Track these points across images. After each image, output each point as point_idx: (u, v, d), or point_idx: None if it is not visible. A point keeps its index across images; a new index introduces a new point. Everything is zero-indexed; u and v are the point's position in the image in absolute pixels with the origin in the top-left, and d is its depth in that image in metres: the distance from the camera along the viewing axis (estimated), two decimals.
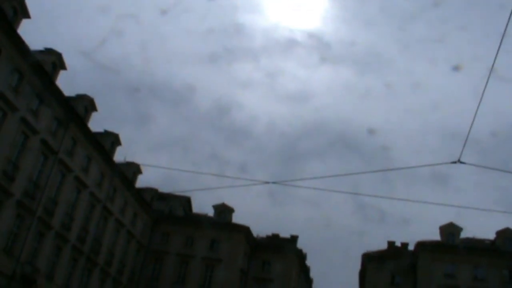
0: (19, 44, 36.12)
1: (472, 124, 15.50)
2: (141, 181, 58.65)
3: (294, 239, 64.61)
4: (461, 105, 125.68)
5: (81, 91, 47.35)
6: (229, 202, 61.60)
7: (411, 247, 58.38)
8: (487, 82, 14.25)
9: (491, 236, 56.92)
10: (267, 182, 20.21)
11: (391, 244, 62.23)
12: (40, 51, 40.36)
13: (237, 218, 61.60)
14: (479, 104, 15.09)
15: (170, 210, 62.20)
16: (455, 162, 15.71)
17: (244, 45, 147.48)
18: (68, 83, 43.52)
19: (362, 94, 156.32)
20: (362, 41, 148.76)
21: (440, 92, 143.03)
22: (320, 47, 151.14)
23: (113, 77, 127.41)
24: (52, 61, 41.27)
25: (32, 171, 39.40)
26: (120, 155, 63.53)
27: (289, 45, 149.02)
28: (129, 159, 55.70)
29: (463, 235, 56.24)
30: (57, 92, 41.02)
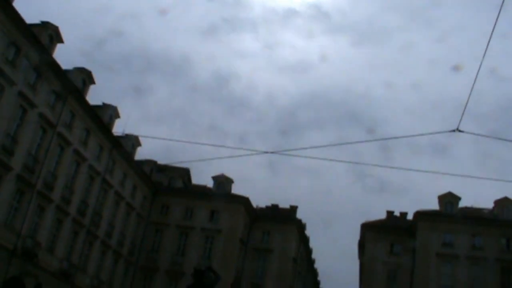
0: (15, 17, 35.87)
1: (471, 93, 15.42)
2: (140, 154, 58.77)
3: (293, 209, 64.84)
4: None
5: (79, 64, 47.24)
6: (229, 173, 61.81)
7: (409, 217, 58.74)
8: (487, 45, 14.10)
9: (489, 205, 57.28)
10: (266, 152, 20.21)
11: (390, 213, 62.58)
12: (37, 25, 40.00)
13: (237, 189, 61.87)
14: (478, 70, 14.97)
15: (169, 182, 62.34)
16: (453, 131, 15.66)
17: (242, 16, 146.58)
18: (65, 57, 43.26)
19: (361, 64, 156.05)
20: (361, 11, 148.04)
21: (438, 61, 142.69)
22: (319, 17, 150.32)
23: (111, 49, 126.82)
24: (48, 34, 41.00)
25: (31, 145, 39.41)
26: (118, 128, 63.66)
27: (288, 15, 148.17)
28: (128, 131, 55.71)
29: (461, 204, 56.59)
30: (55, 65, 40.81)
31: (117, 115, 52.30)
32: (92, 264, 49.24)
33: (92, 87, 47.34)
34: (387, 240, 58.06)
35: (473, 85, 15.45)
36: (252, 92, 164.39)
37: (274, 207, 66.32)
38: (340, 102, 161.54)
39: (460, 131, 15.62)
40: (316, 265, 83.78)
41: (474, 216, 55.46)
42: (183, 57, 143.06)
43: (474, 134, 16.80)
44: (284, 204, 66.37)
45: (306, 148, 18.03)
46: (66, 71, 43.24)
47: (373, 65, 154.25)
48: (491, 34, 13.68)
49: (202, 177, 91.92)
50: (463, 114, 15.50)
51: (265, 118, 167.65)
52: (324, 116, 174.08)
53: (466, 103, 15.77)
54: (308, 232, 69.60)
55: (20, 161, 38.29)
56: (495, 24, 13.43)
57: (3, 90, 35.96)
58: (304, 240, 68.00)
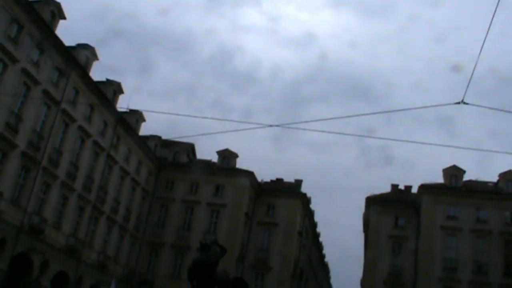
0: None
1: (476, 64, 15.26)
2: (145, 129, 58.84)
3: (298, 183, 64.92)
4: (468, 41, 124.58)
5: (82, 41, 47.06)
6: (233, 148, 61.87)
7: (414, 190, 58.77)
8: (493, 15, 13.93)
9: (494, 178, 57.26)
10: (271, 125, 20.13)
11: (394, 187, 62.61)
12: (38, 1, 39.81)
13: (241, 163, 61.91)
14: (484, 39, 14.79)
15: (174, 157, 62.44)
16: (458, 103, 15.48)
17: None
18: (68, 33, 43.05)
19: (366, 37, 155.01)
20: None
21: (446, 24, 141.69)
22: None
23: (114, 25, 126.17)
24: (50, 11, 40.81)
25: (35, 122, 39.49)
26: (123, 104, 63.61)
27: None
28: (132, 107, 55.55)
29: (466, 177, 56.52)
30: (57, 42, 40.68)
31: (120, 91, 52.23)
32: (98, 239, 49.59)
33: (95, 63, 47.23)
34: (392, 213, 58.20)
35: (478, 56, 15.27)
36: (256, 66, 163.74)
37: (279, 181, 66.43)
38: (344, 76, 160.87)
39: (465, 103, 15.46)
40: (321, 239, 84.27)
41: (478, 189, 55.46)
42: (186, 32, 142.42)
43: (479, 106, 16.61)
44: (289, 178, 66.54)
45: (310, 121, 17.92)
46: (69, 47, 43.08)
47: (378, 38, 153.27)
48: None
49: (207, 152, 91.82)
50: (468, 86, 15.34)
51: (269, 92, 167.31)
52: (329, 89, 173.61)
53: (471, 75, 15.58)
54: (313, 206, 69.89)
55: (25, 138, 38.41)
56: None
57: (6, 67, 35.95)
58: (309, 213, 68.23)
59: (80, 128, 45.13)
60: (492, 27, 14.00)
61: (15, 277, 38.91)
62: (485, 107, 18.40)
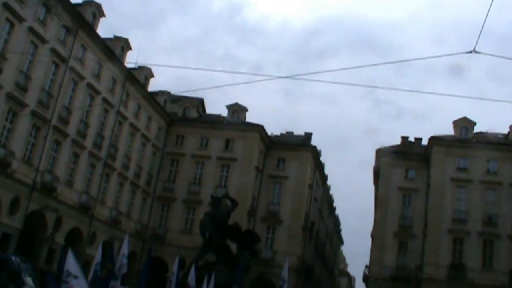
0: None
1: (488, 13, 14.94)
2: (154, 85, 58.72)
3: (308, 136, 64.90)
4: None
5: None
6: (243, 102, 61.69)
7: (424, 142, 58.61)
8: None
9: (505, 130, 56.93)
10: (280, 77, 20.01)
11: (404, 139, 62.47)
12: None
13: (251, 117, 61.85)
14: None
15: (183, 112, 62.37)
16: (470, 52, 15.26)
17: None
18: None
19: None
20: None
21: None
22: None
23: None
24: None
25: (44, 80, 39.44)
26: (131, 60, 63.30)
27: None
28: (141, 63, 55.18)
29: (476, 129, 56.22)
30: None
31: (128, 47, 51.88)
32: (110, 196, 50.10)
33: (102, 20, 46.80)
34: (402, 165, 58.19)
35: (490, 6, 14.94)
36: (265, 19, 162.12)
37: (289, 135, 66.44)
38: (354, 27, 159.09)
39: (477, 52, 15.22)
40: (331, 191, 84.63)
41: (489, 141, 55.16)
42: None
43: (491, 55, 16.34)
44: (299, 131, 66.53)
45: (320, 72, 17.80)
46: (76, 4, 42.72)
47: None
48: None
49: (216, 107, 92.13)
50: (480, 34, 15.06)
51: (279, 45, 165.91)
52: (339, 42, 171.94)
53: (483, 23, 15.27)
54: (323, 158, 70.00)
55: (34, 97, 38.47)
56: None
57: (13, 26, 35.77)
58: (319, 166, 68.37)
59: (89, 85, 45.06)
60: None
61: (30, 235, 39.56)
62: (497, 56, 18.12)
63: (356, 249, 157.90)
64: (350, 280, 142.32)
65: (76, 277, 14.47)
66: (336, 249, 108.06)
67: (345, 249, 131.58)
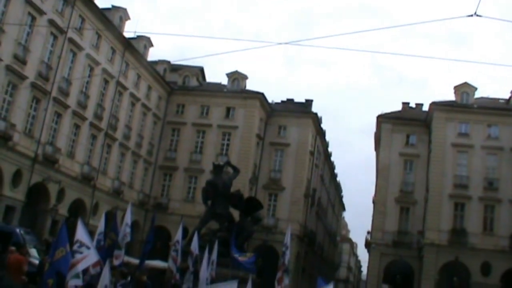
0: None
1: None
2: (153, 54, 58.43)
3: (309, 103, 64.78)
4: None
5: None
6: (243, 70, 61.41)
7: (425, 108, 58.49)
8: None
9: (506, 95, 56.79)
10: (280, 43, 19.88)
11: (405, 105, 62.38)
12: None
13: (252, 85, 61.56)
14: None
15: (183, 81, 62.21)
16: (471, 16, 15.10)
17: None
18: None
19: None
20: None
21: None
22: None
23: None
24: None
25: (42, 52, 39.25)
26: (130, 30, 62.83)
27: None
28: (140, 32, 54.79)
29: (477, 95, 56.08)
30: None
31: (127, 17, 51.51)
32: (112, 166, 50.27)
33: None
34: (403, 131, 58.12)
35: None
36: None
37: (290, 102, 66.31)
38: None
39: (478, 15, 15.06)
40: (332, 158, 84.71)
41: (490, 106, 55.08)
42: None
43: (492, 18, 16.19)
44: (299, 98, 66.33)
45: (321, 38, 17.70)
46: None
47: None
48: None
49: (216, 75, 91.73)
50: None
51: (279, 11, 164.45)
52: (340, 7, 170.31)
53: None
54: (324, 126, 69.93)
55: (34, 69, 38.36)
56: None
57: None
58: (320, 133, 68.32)
59: (88, 56, 44.86)
60: None
61: (33, 207, 39.80)
62: (499, 19, 17.92)
63: (358, 216, 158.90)
64: (352, 246, 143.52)
65: (88, 248, 14.51)
66: (338, 216, 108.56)
67: (347, 216, 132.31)
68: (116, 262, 19.37)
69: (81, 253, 14.35)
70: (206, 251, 19.64)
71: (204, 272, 19.08)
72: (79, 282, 13.74)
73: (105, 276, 13.08)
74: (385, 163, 57.31)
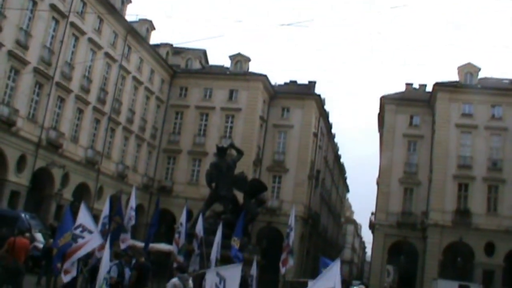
0: None
1: None
2: (156, 38, 58.24)
3: (312, 84, 64.60)
4: None
5: None
6: (246, 52, 61.23)
7: (429, 89, 58.32)
8: None
9: (510, 75, 56.63)
10: (283, 25, 19.79)
11: (408, 85, 62.22)
12: None
13: (255, 67, 61.43)
14: None
15: (186, 64, 62.12)
16: None
17: None
18: None
19: None
20: None
21: None
22: None
23: None
24: None
25: (44, 37, 39.18)
26: (132, 13, 62.59)
27: None
28: (142, 16, 54.58)
29: (481, 75, 55.87)
30: None
31: (129, 0, 51.35)
32: (116, 150, 50.37)
33: None
34: (407, 112, 58.03)
35: None
36: None
37: (293, 83, 66.17)
38: None
39: None
40: (336, 140, 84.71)
41: (493, 86, 54.88)
42: None
43: None
44: (302, 80, 66.21)
45: (323, 19, 17.58)
46: None
47: None
48: None
49: (219, 58, 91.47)
50: None
51: None
52: None
53: None
54: (327, 107, 69.82)
55: (36, 54, 38.31)
56: None
57: None
58: (324, 115, 68.20)
59: (90, 40, 44.76)
60: None
61: (38, 192, 39.97)
62: None
63: (362, 197, 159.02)
64: (356, 227, 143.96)
65: (90, 232, 14.56)
66: (342, 197, 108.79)
67: (351, 197, 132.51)
68: (122, 246, 19.55)
69: (83, 238, 14.42)
70: (218, 231, 19.83)
71: (214, 253, 19.27)
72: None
73: (106, 259, 13.06)
74: (389, 144, 57.34)
